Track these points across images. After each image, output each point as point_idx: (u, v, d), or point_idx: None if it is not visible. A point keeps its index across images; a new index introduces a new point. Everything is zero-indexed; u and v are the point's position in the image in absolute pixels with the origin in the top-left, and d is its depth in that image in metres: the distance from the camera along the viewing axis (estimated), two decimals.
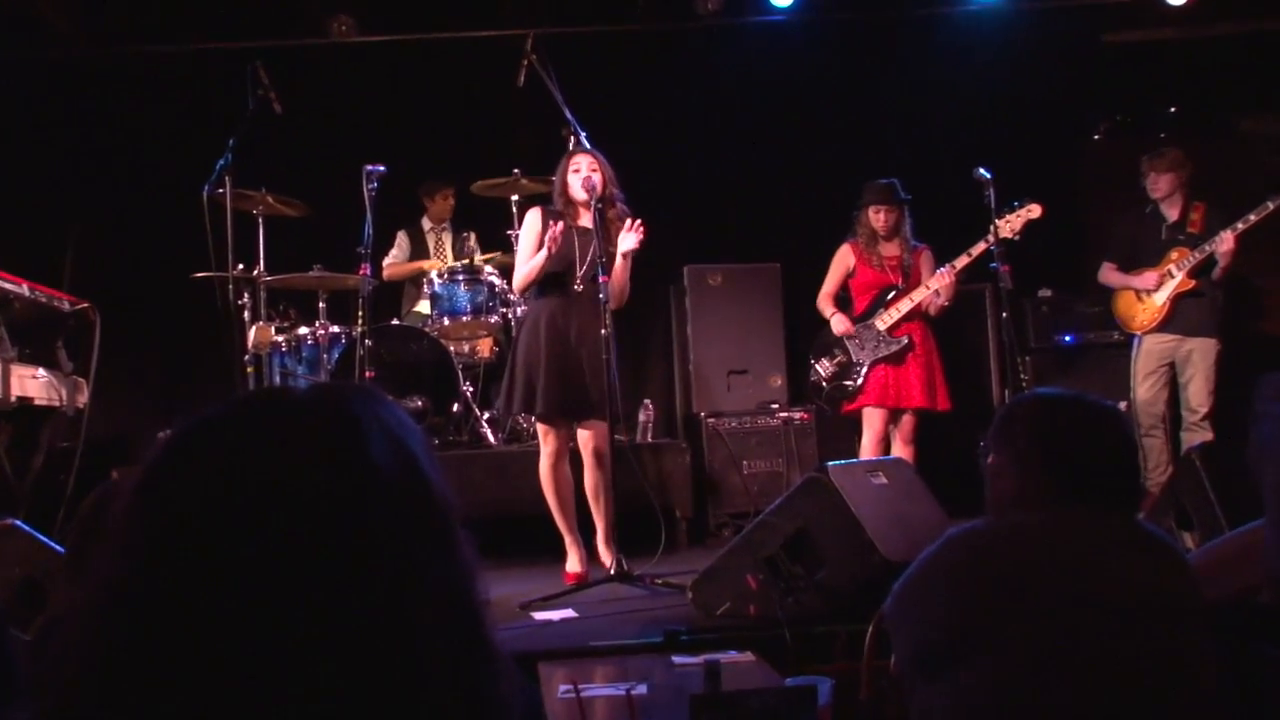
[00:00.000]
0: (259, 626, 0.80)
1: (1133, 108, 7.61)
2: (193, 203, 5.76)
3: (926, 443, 5.72)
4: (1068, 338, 6.85)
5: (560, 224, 4.78)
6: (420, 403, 5.98)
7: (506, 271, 6.46)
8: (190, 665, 0.79)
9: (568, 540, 4.88)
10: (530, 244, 4.89)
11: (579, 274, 4.77)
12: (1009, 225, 5.48)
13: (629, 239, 4.75)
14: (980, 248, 5.54)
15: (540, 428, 4.83)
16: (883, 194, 5.78)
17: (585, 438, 4.77)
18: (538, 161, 6.31)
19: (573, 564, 4.86)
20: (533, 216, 4.94)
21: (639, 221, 4.79)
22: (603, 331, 4.51)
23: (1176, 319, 5.95)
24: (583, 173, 4.80)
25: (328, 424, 0.88)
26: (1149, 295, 6.01)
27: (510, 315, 6.29)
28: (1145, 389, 5.99)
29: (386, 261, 6.99)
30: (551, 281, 4.84)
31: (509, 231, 6.45)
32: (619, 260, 4.77)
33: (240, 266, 6.03)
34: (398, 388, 5.88)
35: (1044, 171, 7.04)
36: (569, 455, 4.88)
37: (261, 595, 0.80)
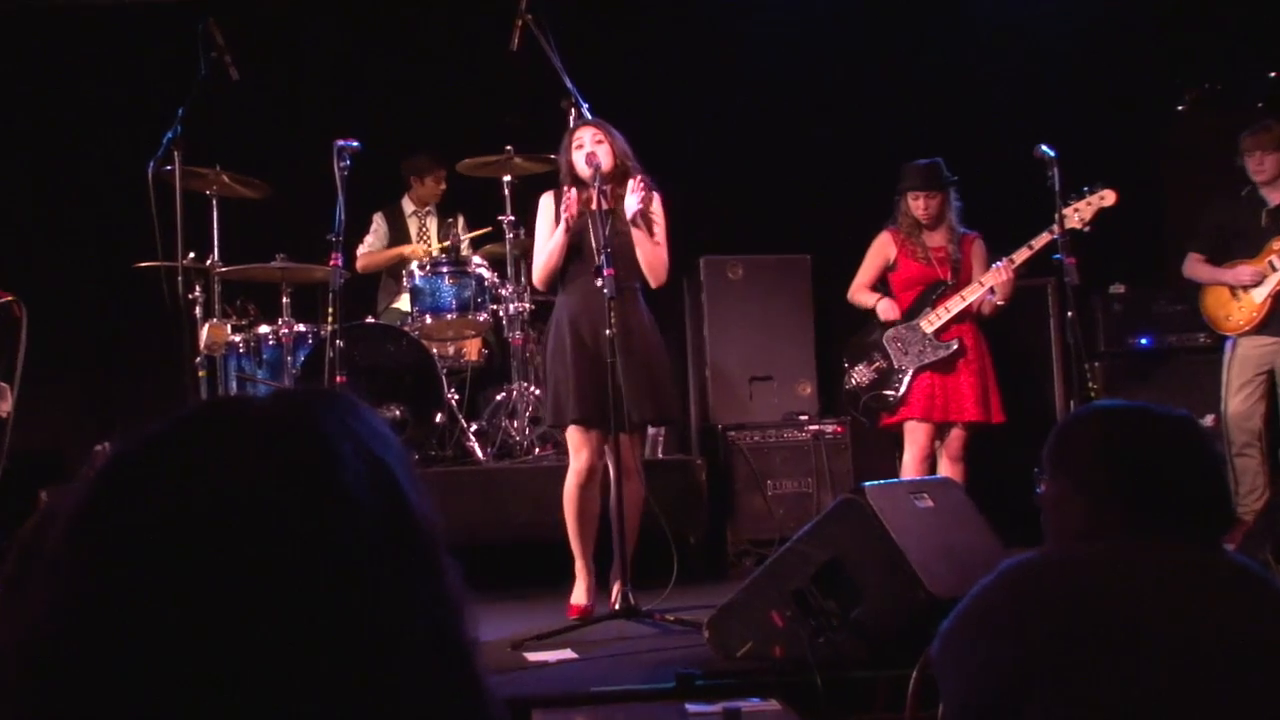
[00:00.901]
0: (220, 677, 0.80)
1: (1224, 73, 7.57)
2: (136, 181, 5.78)
3: (978, 461, 5.72)
4: (1144, 340, 6.84)
5: (574, 191, 4.81)
6: (398, 412, 6.00)
7: (498, 263, 6.49)
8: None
9: (578, 566, 4.90)
10: (546, 232, 4.93)
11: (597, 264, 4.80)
12: (1077, 215, 5.47)
13: (630, 200, 4.79)
14: (1043, 239, 5.51)
15: (572, 440, 4.86)
16: (922, 177, 5.77)
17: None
18: (533, 137, 6.32)
19: (579, 595, 4.88)
20: (546, 201, 4.99)
21: (640, 179, 4.81)
22: (607, 332, 4.53)
23: (1278, 319, 5.94)
24: (586, 148, 4.83)
25: (295, 444, 0.88)
26: (1246, 292, 5.99)
27: (502, 313, 6.30)
28: (1239, 400, 5.98)
29: (361, 250, 7.00)
30: (570, 276, 4.89)
31: (500, 217, 6.47)
32: (634, 231, 4.80)
33: (191, 255, 6.04)
34: (373, 395, 5.90)
35: (1118, 148, 7.04)
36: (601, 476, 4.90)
37: (222, 642, 0.80)
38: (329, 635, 0.83)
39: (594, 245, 4.76)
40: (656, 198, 4.93)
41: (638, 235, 4.82)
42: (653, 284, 4.89)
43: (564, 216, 4.79)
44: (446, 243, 6.64)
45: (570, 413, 4.79)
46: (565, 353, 4.82)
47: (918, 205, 5.76)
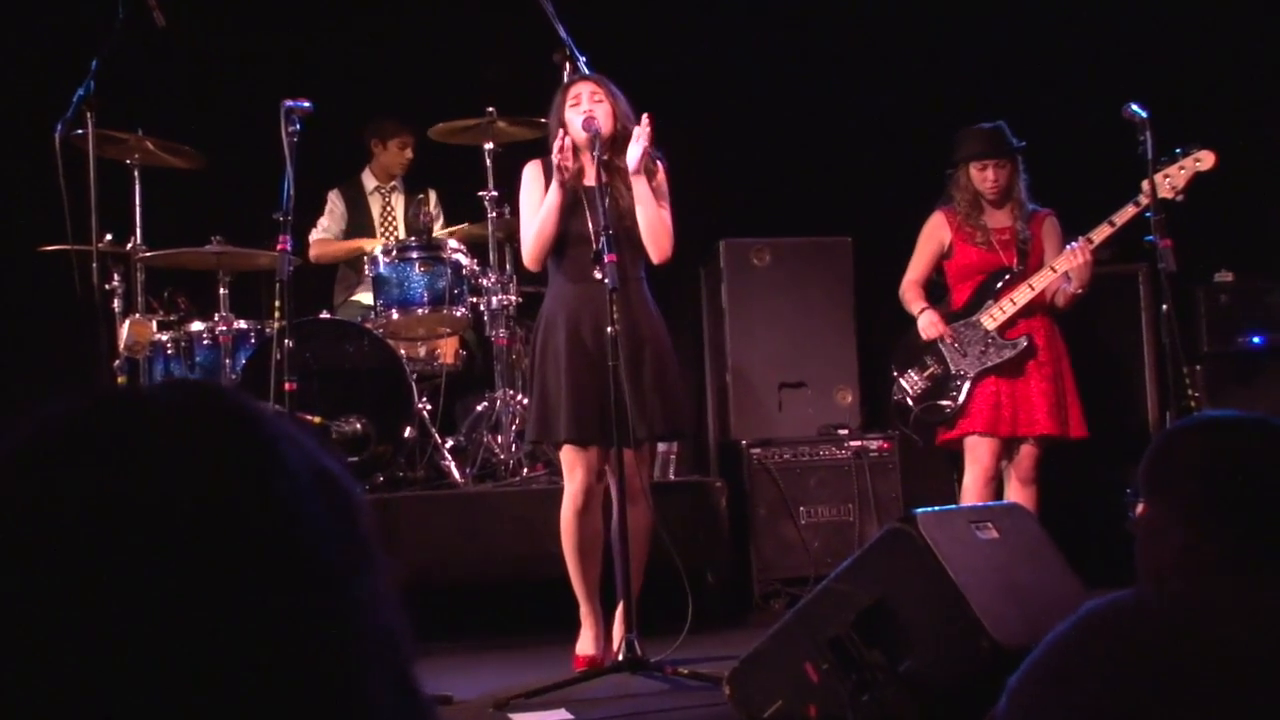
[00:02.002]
0: (179, 692, 0.80)
1: None
2: (41, 148, 5.78)
3: (1054, 484, 5.72)
4: (1256, 339, 6.83)
5: (569, 140, 4.81)
6: (359, 425, 5.98)
7: (478, 248, 6.49)
8: None
9: (583, 610, 4.92)
10: (535, 204, 4.94)
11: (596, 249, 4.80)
12: (1169, 182, 5.46)
13: (634, 150, 4.80)
14: (1128, 213, 5.51)
15: (565, 460, 4.90)
16: (986, 143, 5.76)
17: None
18: (519, 97, 6.32)
19: (585, 644, 4.90)
20: (532, 172, 5.00)
21: (645, 116, 4.82)
22: (609, 330, 4.54)
23: None
24: (583, 105, 4.83)
25: (223, 425, 0.88)
26: None
27: (483, 307, 6.30)
28: None
29: (315, 234, 7.01)
30: (562, 264, 4.91)
31: (481, 193, 6.46)
32: (636, 189, 4.81)
33: (109, 237, 6.06)
34: (330, 404, 5.90)
35: (1221, 106, 7.02)
36: (602, 499, 4.93)
37: (174, 674, 0.80)
38: (296, 654, 0.83)
39: (592, 227, 4.77)
40: (661, 168, 4.93)
41: (639, 193, 4.82)
42: (655, 257, 4.88)
43: (558, 173, 4.78)
44: (420, 230, 6.62)
45: (563, 429, 4.80)
46: (558, 356, 4.83)
47: (984, 177, 5.73)
